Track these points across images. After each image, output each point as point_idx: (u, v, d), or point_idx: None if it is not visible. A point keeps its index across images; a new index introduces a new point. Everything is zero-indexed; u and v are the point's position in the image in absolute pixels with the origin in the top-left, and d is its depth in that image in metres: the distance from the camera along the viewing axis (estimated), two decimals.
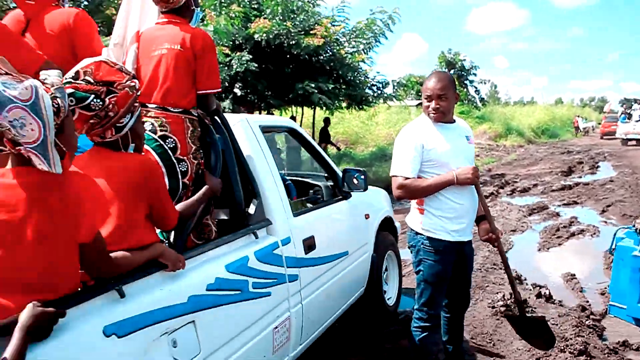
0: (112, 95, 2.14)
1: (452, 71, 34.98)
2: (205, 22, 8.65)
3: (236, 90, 11.29)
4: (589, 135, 43.33)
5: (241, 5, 10.64)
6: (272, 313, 2.93)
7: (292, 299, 3.17)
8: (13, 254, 1.67)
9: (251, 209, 3.09)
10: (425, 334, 3.36)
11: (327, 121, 15.11)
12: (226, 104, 11.18)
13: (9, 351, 1.50)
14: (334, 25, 12.13)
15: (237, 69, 10.29)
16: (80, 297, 1.86)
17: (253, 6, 11.33)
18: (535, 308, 5.23)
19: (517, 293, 3.49)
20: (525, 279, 6.33)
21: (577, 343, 4.23)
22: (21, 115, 1.60)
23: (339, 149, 15.73)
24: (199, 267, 2.47)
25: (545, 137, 38.71)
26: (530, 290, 5.79)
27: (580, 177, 16.71)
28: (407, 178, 3.12)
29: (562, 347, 4.20)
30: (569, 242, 8.38)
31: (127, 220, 2.17)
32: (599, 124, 43.50)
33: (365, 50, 13.16)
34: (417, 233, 3.32)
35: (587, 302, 5.50)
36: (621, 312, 3.39)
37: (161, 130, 2.78)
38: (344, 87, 12.63)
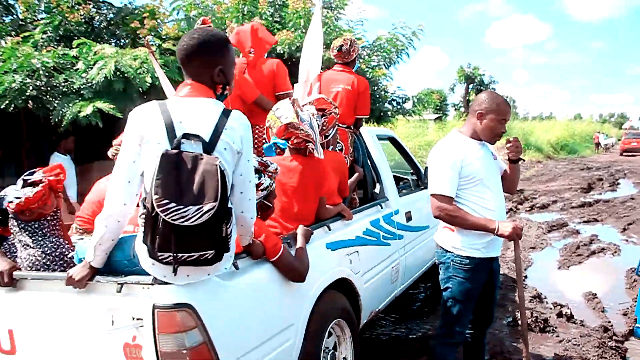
0: (325, 117, 3.83)
1: (470, 85, 35.00)
2: (228, 33, 8.73)
3: None
4: (609, 151, 42.91)
5: (263, 18, 10.71)
6: (390, 257, 4.42)
7: (399, 251, 4.65)
8: (292, 201, 3.40)
9: (377, 190, 4.81)
10: (449, 350, 3.35)
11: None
12: None
13: (299, 244, 3.04)
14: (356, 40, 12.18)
15: None
16: (314, 226, 3.41)
17: (275, 19, 11.40)
18: (556, 327, 5.19)
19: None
20: (546, 298, 6.28)
21: None
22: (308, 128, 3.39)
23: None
24: (358, 221, 4.02)
25: (564, 152, 38.38)
26: (551, 309, 5.74)
27: (600, 194, 16.56)
28: (446, 196, 3.14)
29: None
30: (590, 261, 8.29)
31: (333, 189, 3.70)
32: (619, 140, 43.11)
33: (385, 65, 13.14)
34: (446, 251, 3.31)
35: (609, 322, 5.42)
36: None
37: None
38: None
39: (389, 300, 4.59)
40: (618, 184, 19.20)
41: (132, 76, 6.58)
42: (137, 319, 2.23)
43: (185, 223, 2.00)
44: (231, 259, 2.38)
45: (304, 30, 11.06)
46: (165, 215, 2.00)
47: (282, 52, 10.86)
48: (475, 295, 3.32)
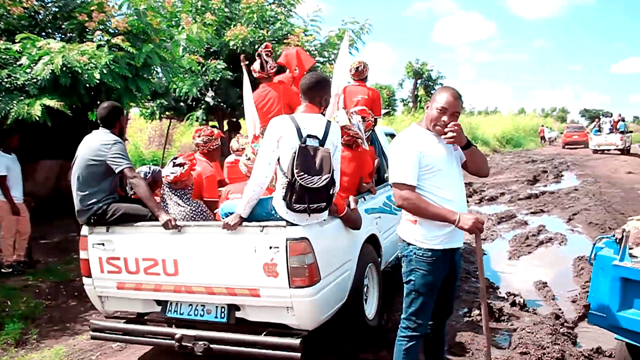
0: (365, 121, 4.86)
1: (419, 81, 35.53)
2: (179, 30, 8.58)
3: (208, 99, 11.22)
4: (553, 144, 44.32)
5: (215, 14, 10.60)
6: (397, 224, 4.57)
7: None
8: (343, 179, 4.39)
9: (387, 175, 5.98)
10: (411, 343, 3.37)
11: None
12: (199, 113, 11.10)
13: (352, 206, 4.47)
14: (306, 36, 12.13)
15: (212, 77, 10.23)
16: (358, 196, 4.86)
17: (227, 15, 11.29)
18: (510, 316, 5.33)
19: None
20: (499, 288, 6.45)
21: (553, 351, 4.33)
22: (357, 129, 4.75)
23: None
24: (379, 195, 5.52)
25: (510, 146, 39.42)
26: (505, 298, 5.89)
27: (546, 185, 17.09)
28: (408, 185, 3.16)
29: (540, 355, 4.29)
30: (538, 251, 8.54)
31: (368, 171, 5.17)
32: (561, 133, 44.60)
33: (335, 60, 13.18)
34: (408, 244, 3.34)
35: (560, 309, 5.60)
36: (601, 320, 3.44)
37: None
38: None
39: (394, 257, 5.66)
40: (562, 176, 19.85)
41: (81, 72, 6.39)
42: (274, 247, 3.67)
43: (313, 186, 3.53)
44: (327, 212, 3.91)
45: (256, 26, 11.02)
46: (301, 181, 3.51)
47: (234, 46, 10.79)
48: (437, 287, 3.36)
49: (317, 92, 3.83)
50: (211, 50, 10.79)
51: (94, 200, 4.21)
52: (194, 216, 4.20)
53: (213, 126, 13.31)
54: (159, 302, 4.23)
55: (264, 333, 3.83)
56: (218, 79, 10.40)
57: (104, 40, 6.99)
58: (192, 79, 10.37)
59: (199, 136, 4.94)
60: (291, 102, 5.43)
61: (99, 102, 8.75)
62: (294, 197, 3.55)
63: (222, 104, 11.72)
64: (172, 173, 4.18)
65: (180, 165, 4.21)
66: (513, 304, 5.66)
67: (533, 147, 41.20)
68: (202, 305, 4.10)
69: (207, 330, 3.93)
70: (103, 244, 4.20)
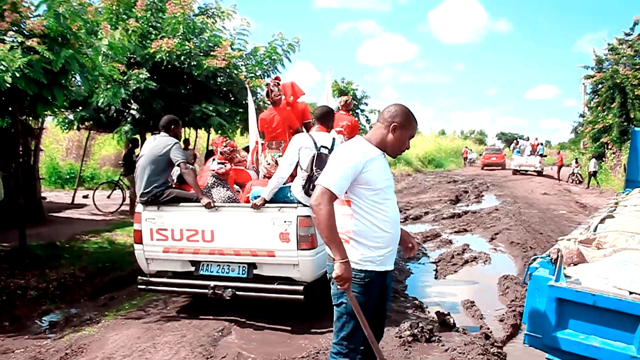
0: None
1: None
2: (99, 36, 8.11)
3: (133, 112, 10.74)
4: (472, 165, 45.82)
5: (139, 22, 10.18)
6: None
7: None
8: None
9: None
10: None
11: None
12: (127, 128, 10.61)
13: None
14: (233, 50, 11.88)
15: (135, 87, 9.80)
16: None
17: (151, 24, 10.87)
18: (440, 337, 5.26)
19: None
20: (427, 307, 6.39)
21: None
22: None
23: None
24: None
25: (432, 166, 40.43)
26: (434, 318, 5.82)
27: (468, 205, 17.51)
28: (331, 193, 2.99)
29: None
30: (464, 270, 8.62)
31: None
32: (480, 155, 46.26)
33: (262, 76, 12.98)
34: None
35: (489, 329, 5.61)
36: (537, 341, 3.41)
37: None
38: (240, 110, 12.35)
39: None
40: (482, 196, 20.45)
41: None
42: (288, 221, 5.17)
43: None
44: None
45: (182, 37, 10.68)
46: (317, 175, 4.59)
47: (160, 59, 10.40)
48: (369, 310, 3.22)
49: (326, 119, 5.57)
50: (134, 60, 10.35)
51: (154, 185, 5.62)
52: (230, 197, 5.74)
53: (134, 139, 12.83)
54: (193, 263, 5.66)
55: (276, 283, 5.32)
56: (142, 88, 9.97)
57: (17, 42, 6.48)
58: (113, 89, 9.90)
59: (225, 146, 6.16)
60: (291, 124, 6.61)
61: (10, 109, 8.21)
62: (310, 186, 5.05)
63: (145, 116, 11.27)
64: (221, 168, 5.87)
65: (223, 163, 5.93)
66: (443, 323, 5.60)
67: (454, 168, 42.44)
68: (227, 265, 5.61)
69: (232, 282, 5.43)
70: (154, 219, 5.67)
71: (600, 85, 29.86)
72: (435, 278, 8.07)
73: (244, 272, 5.53)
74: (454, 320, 5.67)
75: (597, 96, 30.27)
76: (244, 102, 12.60)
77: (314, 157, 5.12)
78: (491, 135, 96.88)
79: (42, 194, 11.33)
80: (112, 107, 10.40)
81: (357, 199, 3.09)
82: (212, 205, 5.42)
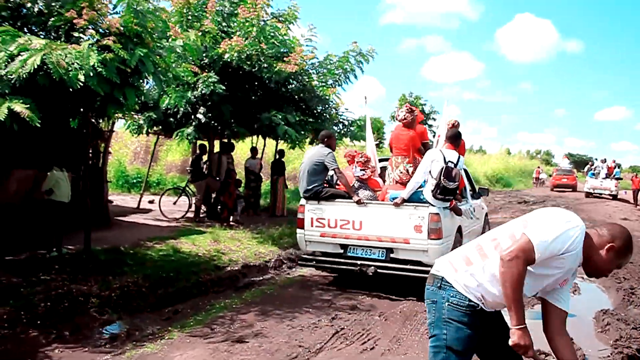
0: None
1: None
2: (173, 37, 7.84)
3: (200, 115, 10.51)
4: (542, 186, 44.05)
5: (213, 23, 9.94)
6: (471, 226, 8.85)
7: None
8: None
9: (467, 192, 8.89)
10: None
11: (281, 153, 14.29)
12: (190, 130, 10.35)
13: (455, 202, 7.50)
14: (304, 55, 11.49)
15: (203, 91, 9.53)
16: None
17: (222, 28, 10.63)
18: None
19: None
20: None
21: None
22: None
23: (286, 186, 14.71)
24: (464, 205, 8.34)
25: (500, 185, 39.02)
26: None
27: None
28: (534, 253, 2.50)
29: None
30: None
31: None
32: (550, 176, 44.45)
33: (333, 85, 12.56)
34: (448, 285, 2.73)
35: None
36: None
37: None
38: (310, 120, 11.92)
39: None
40: None
41: (62, 73, 5.63)
42: (421, 217, 6.76)
43: (449, 187, 6.63)
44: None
45: (256, 39, 10.38)
46: (444, 184, 6.57)
47: (230, 59, 10.12)
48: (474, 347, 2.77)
49: (455, 140, 7.23)
50: (203, 63, 10.10)
51: (315, 185, 7.35)
52: (372, 196, 7.39)
53: (202, 145, 12.62)
54: (342, 247, 7.35)
55: (409, 264, 6.99)
56: (209, 93, 9.69)
57: (93, 40, 6.24)
58: (180, 92, 9.66)
59: (360, 157, 7.63)
60: (414, 144, 7.69)
61: (81, 110, 8.02)
62: (438, 191, 6.70)
63: (213, 122, 11.02)
64: (363, 174, 7.47)
65: (364, 170, 7.48)
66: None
67: (522, 188, 40.87)
68: (370, 249, 7.21)
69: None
70: (314, 210, 7.39)
71: None
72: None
73: (382, 255, 7.17)
74: None
75: None
76: (315, 112, 12.21)
77: (442, 169, 6.65)
78: (559, 156, 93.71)
79: (109, 197, 11.23)
80: (180, 111, 10.14)
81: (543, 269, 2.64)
82: (361, 201, 7.16)
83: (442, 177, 6.58)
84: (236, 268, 8.11)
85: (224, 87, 9.54)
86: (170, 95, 9.22)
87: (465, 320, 2.66)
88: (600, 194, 31.11)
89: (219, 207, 11.88)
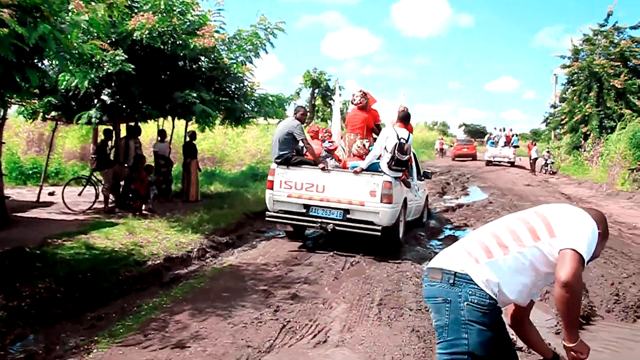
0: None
1: (316, 90, 34.89)
2: (76, 12, 6.93)
3: (104, 97, 9.63)
4: (444, 156, 45.46)
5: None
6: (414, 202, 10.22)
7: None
8: None
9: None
10: None
11: (193, 135, 13.53)
12: (92, 112, 9.45)
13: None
14: (217, 33, 10.79)
15: (109, 70, 8.69)
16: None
17: (127, 3, 9.71)
18: None
19: None
20: None
21: None
22: None
23: (199, 169, 13.85)
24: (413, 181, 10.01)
25: None
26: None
27: (457, 198, 16.86)
28: (583, 263, 2.31)
29: None
30: None
31: None
32: (450, 146, 46.01)
33: (243, 62, 11.93)
34: (464, 280, 2.41)
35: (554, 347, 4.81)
36: None
37: None
38: (224, 99, 11.27)
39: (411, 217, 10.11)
40: (467, 188, 19.85)
41: None
42: (376, 183, 8.04)
43: (402, 160, 8.05)
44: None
45: (164, 14, 9.58)
46: (398, 157, 7.94)
47: (138, 37, 9.29)
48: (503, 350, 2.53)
49: (405, 120, 8.60)
50: (110, 40, 9.20)
51: (285, 152, 8.49)
52: (336, 165, 8.65)
53: (107, 130, 11.67)
54: (305, 207, 8.40)
55: (362, 224, 8.10)
56: (116, 72, 8.85)
57: None
58: (84, 72, 8.75)
59: (325, 132, 9.57)
60: (367, 124, 9.25)
61: None
62: (393, 163, 7.95)
63: (120, 104, 10.16)
64: (331, 146, 9.00)
65: (332, 142, 9.09)
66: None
67: (426, 159, 41.93)
68: (329, 210, 8.29)
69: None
70: (283, 174, 8.46)
71: (575, 76, 29.74)
72: None
73: (340, 215, 8.30)
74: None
75: (572, 86, 30.13)
76: (229, 90, 11.62)
77: (395, 144, 7.94)
78: (454, 126, 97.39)
79: (4, 192, 10.10)
80: (82, 93, 9.17)
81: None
82: (326, 168, 8.38)
83: (396, 151, 7.88)
84: (158, 261, 7.44)
85: (133, 66, 8.73)
86: (74, 75, 8.29)
87: (487, 321, 2.36)
88: (500, 161, 32.64)
89: (130, 195, 11.07)
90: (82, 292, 6.03)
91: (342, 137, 9.75)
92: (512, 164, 32.57)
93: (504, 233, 2.49)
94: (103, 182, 10.94)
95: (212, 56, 10.74)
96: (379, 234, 7.96)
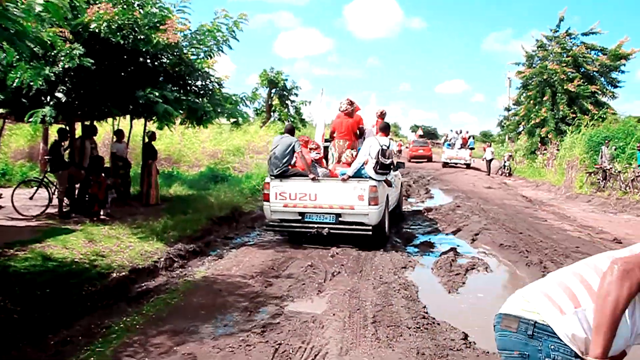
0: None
1: (273, 90, 34.34)
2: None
3: (59, 94, 8.88)
4: (400, 158, 45.64)
5: None
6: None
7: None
8: None
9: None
10: None
11: (152, 136, 12.76)
12: (47, 110, 8.69)
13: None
14: (180, 25, 10.17)
15: (66, 65, 7.99)
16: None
17: None
18: None
19: None
20: (467, 336, 5.15)
21: None
22: None
23: (157, 171, 13.07)
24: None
25: None
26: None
27: (423, 201, 16.63)
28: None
29: None
30: (471, 279, 7.53)
31: None
32: (406, 147, 46.31)
33: (206, 57, 11.31)
34: (545, 333, 1.98)
35: None
36: None
37: None
38: (186, 98, 10.60)
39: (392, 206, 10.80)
40: (430, 191, 19.69)
41: None
42: (363, 188, 8.82)
43: (386, 164, 8.90)
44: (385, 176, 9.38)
45: (126, 6, 8.93)
46: (382, 161, 8.82)
47: (96, 30, 8.61)
48: None
49: (386, 130, 9.42)
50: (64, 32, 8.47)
51: (285, 166, 9.17)
52: (325, 173, 9.41)
53: (61, 129, 10.87)
54: (300, 214, 9.14)
55: (354, 225, 8.87)
56: (75, 67, 8.15)
57: None
58: (37, 68, 8.03)
59: (312, 143, 10.26)
60: (354, 130, 10.16)
61: None
62: (378, 167, 8.76)
63: (76, 102, 9.43)
64: (317, 156, 9.77)
65: (318, 153, 9.85)
66: None
67: None
68: (323, 215, 9.03)
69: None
70: (278, 186, 9.15)
71: (529, 81, 30.20)
72: (449, 293, 6.89)
73: (333, 219, 9.01)
74: None
75: (526, 91, 30.58)
76: (194, 88, 11.00)
77: (379, 150, 8.82)
78: (405, 127, 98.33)
79: None
80: (34, 90, 8.41)
81: None
82: (316, 178, 9.04)
83: (380, 156, 8.82)
84: (123, 273, 6.80)
85: (92, 61, 8.05)
86: (24, 73, 7.56)
87: None
88: (456, 163, 32.87)
89: (86, 199, 10.31)
90: (42, 311, 5.37)
91: (331, 142, 10.54)
92: (468, 166, 32.88)
93: (588, 272, 2.08)
94: (57, 185, 10.15)
95: (176, 52, 10.10)
96: (370, 232, 8.80)
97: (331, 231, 8.86)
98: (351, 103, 10.05)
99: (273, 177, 9.19)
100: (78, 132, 11.04)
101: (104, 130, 16.24)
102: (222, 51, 11.35)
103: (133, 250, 7.76)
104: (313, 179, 8.98)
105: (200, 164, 21.73)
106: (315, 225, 8.93)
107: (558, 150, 25.10)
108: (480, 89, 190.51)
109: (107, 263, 7.03)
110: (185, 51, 10.62)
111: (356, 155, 9.35)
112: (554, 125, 27.35)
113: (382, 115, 10.90)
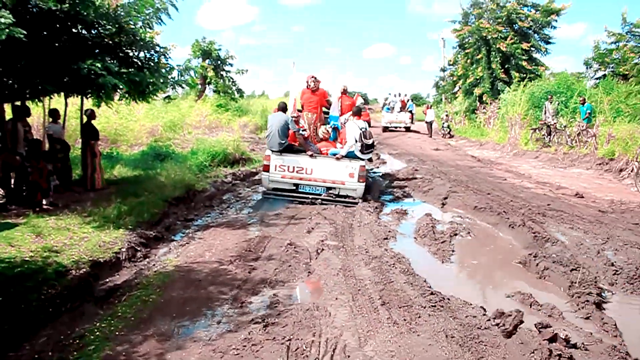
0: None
1: (207, 61, 32.99)
2: None
3: None
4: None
5: None
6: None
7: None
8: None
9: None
10: None
11: (92, 115, 11.69)
12: None
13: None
14: None
15: None
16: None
17: None
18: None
19: None
20: (485, 311, 4.75)
21: None
22: None
23: (100, 153, 11.98)
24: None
25: None
26: (534, 335, 4.18)
27: (377, 167, 16.25)
28: None
29: None
30: (460, 246, 7.21)
31: None
32: None
33: (144, 27, 10.34)
34: None
35: (599, 338, 4.14)
36: None
37: None
38: (129, 70, 9.64)
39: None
40: (380, 156, 19.35)
41: None
42: (353, 167, 10.13)
43: (369, 144, 10.20)
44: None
45: None
46: (365, 142, 10.09)
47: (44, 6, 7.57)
48: None
49: (359, 113, 10.45)
50: None
51: (284, 142, 10.25)
52: (316, 150, 10.58)
53: None
54: (294, 185, 10.36)
55: (343, 198, 10.13)
56: (3, 39, 7.12)
57: None
58: None
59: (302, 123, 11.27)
60: (321, 104, 11.79)
61: None
62: (363, 149, 10.07)
63: (4, 79, 8.37)
64: (305, 133, 10.93)
65: (305, 131, 11.03)
66: (552, 339, 4.01)
67: None
68: (315, 187, 10.32)
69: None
70: (277, 159, 10.32)
71: (465, 40, 30.19)
72: (442, 263, 6.50)
73: (323, 190, 10.24)
74: (566, 335, 4.12)
75: (463, 50, 30.58)
76: (137, 60, 10.05)
77: (360, 133, 9.98)
78: (335, 94, 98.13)
79: None
80: None
81: None
82: (312, 155, 10.18)
83: (362, 138, 9.98)
84: (84, 270, 5.99)
85: (24, 32, 7.05)
86: None
87: None
88: (397, 127, 32.58)
89: (24, 188, 9.29)
90: None
91: (300, 115, 11.57)
92: (408, 129, 32.72)
93: None
94: None
95: (117, 20, 9.12)
96: (357, 203, 9.84)
97: (323, 201, 10.00)
98: (315, 80, 11.72)
99: (274, 151, 10.30)
100: (8, 114, 9.89)
101: (34, 112, 14.93)
102: (162, 21, 10.44)
103: (89, 242, 6.93)
104: (311, 156, 10.19)
105: (140, 143, 20.49)
106: (309, 196, 10.13)
107: (499, 108, 25.25)
108: (407, 52, 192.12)
109: (63, 259, 6.19)
110: (121, 19, 9.63)
111: (330, 132, 11.28)
112: (489, 85, 27.52)
113: (345, 91, 12.25)
